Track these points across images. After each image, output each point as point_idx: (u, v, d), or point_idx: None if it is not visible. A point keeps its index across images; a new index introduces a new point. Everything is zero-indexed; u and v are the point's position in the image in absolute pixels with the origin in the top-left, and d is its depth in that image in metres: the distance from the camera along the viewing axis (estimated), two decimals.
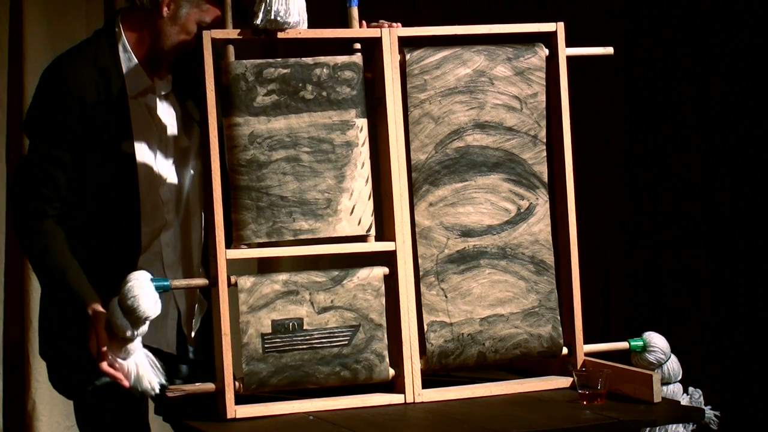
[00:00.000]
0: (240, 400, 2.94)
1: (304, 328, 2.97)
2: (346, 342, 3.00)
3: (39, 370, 4.53)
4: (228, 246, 2.94)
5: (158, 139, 3.14)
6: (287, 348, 2.96)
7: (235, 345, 2.92)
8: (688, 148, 5.31)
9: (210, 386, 2.93)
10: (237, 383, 2.93)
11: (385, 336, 3.02)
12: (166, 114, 3.16)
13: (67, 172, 3.04)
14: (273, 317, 2.95)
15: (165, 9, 3.06)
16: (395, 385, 3.06)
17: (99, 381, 3.08)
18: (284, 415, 2.95)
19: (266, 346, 2.94)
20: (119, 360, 2.88)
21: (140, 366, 2.90)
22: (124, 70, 3.09)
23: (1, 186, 4.58)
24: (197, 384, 2.94)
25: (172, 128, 3.16)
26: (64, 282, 3.00)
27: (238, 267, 3.17)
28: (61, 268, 3.01)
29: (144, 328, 2.87)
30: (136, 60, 3.10)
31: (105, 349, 2.88)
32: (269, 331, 2.95)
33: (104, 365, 2.89)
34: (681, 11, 5.29)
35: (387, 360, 3.02)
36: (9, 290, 4.60)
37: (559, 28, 3.19)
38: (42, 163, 3.05)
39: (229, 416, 2.91)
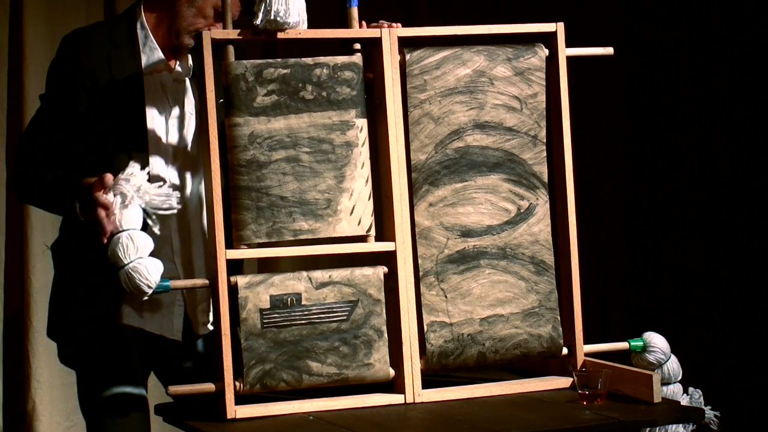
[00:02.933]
0: (240, 400, 2.94)
1: (303, 303, 2.97)
2: (345, 317, 3.00)
3: (39, 370, 4.53)
4: (228, 246, 2.94)
5: (168, 117, 3.15)
6: (286, 323, 2.96)
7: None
8: (688, 148, 5.31)
9: (210, 386, 2.93)
10: (237, 383, 2.93)
11: (384, 311, 3.02)
12: (187, 98, 3.18)
13: (71, 140, 3.08)
14: (271, 292, 2.96)
15: None
16: (395, 385, 3.06)
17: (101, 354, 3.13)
18: (284, 415, 2.95)
19: (264, 321, 2.95)
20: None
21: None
22: (141, 47, 3.14)
23: (1, 186, 4.58)
24: (197, 384, 2.94)
25: (190, 112, 3.18)
26: (58, 178, 3.04)
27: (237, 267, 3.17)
28: (53, 172, 3.06)
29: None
30: (153, 38, 3.15)
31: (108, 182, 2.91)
32: (267, 306, 2.95)
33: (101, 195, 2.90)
34: (681, 11, 5.30)
35: (386, 335, 3.02)
36: (9, 290, 4.60)
37: (559, 28, 3.20)
38: (46, 131, 3.11)
39: (229, 416, 2.91)
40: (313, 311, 2.98)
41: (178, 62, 3.19)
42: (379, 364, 3.02)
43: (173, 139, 3.17)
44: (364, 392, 3.04)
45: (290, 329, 2.96)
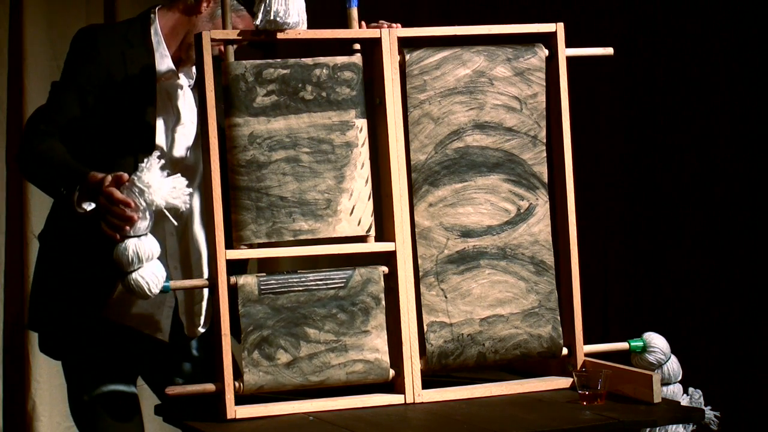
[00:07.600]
0: (240, 400, 2.94)
1: (300, 270, 2.98)
2: (343, 284, 3.00)
3: (39, 370, 4.53)
4: (228, 246, 2.94)
5: (171, 125, 3.15)
6: (283, 290, 2.97)
7: (235, 346, 2.93)
8: (688, 148, 5.30)
9: (210, 386, 2.93)
10: (237, 383, 2.93)
11: (382, 279, 3.03)
12: (188, 107, 3.17)
13: (81, 115, 3.06)
14: None
15: (204, 5, 3.12)
16: (395, 385, 3.06)
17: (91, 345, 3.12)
18: (284, 415, 2.95)
19: (262, 288, 2.95)
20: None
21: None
22: (154, 52, 3.13)
23: (1, 186, 4.58)
24: (197, 384, 2.94)
25: (191, 121, 3.17)
26: (65, 163, 2.97)
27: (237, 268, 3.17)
28: (61, 154, 3.00)
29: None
30: (165, 45, 3.14)
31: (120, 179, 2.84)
32: (265, 273, 2.96)
33: (115, 192, 2.82)
34: (681, 11, 5.29)
35: (383, 303, 3.02)
36: (9, 290, 4.60)
37: (558, 28, 3.20)
38: (59, 99, 3.08)
39: (229, 416, 2.91)
40: (311, 278, 2.99)
41: (182, 72, 3.18)
42: (377, 331, 3.02)
43: (174, 146, 3.16)
44: (364, 392, 3.04)
45: (288, 296, 2.97)
